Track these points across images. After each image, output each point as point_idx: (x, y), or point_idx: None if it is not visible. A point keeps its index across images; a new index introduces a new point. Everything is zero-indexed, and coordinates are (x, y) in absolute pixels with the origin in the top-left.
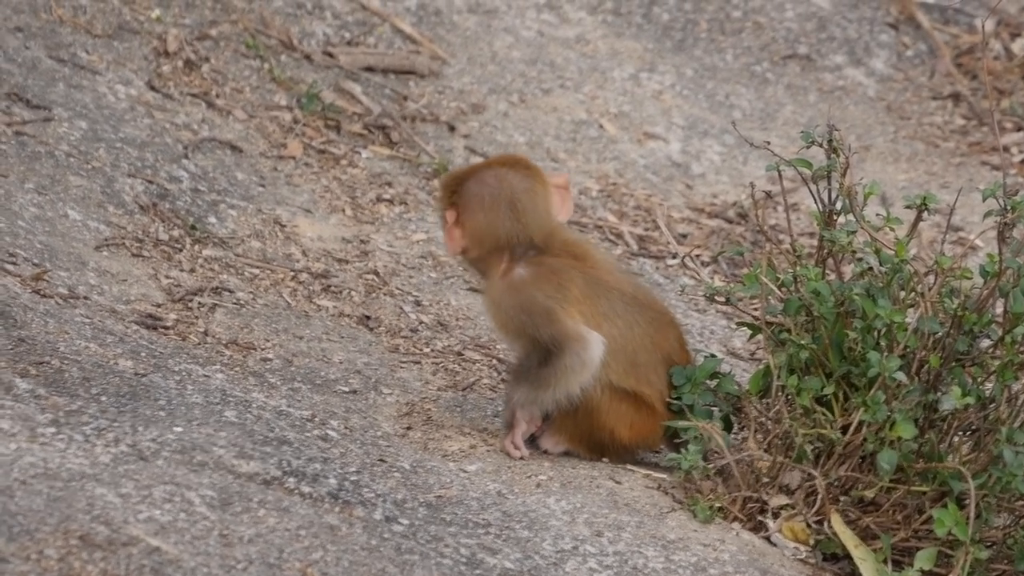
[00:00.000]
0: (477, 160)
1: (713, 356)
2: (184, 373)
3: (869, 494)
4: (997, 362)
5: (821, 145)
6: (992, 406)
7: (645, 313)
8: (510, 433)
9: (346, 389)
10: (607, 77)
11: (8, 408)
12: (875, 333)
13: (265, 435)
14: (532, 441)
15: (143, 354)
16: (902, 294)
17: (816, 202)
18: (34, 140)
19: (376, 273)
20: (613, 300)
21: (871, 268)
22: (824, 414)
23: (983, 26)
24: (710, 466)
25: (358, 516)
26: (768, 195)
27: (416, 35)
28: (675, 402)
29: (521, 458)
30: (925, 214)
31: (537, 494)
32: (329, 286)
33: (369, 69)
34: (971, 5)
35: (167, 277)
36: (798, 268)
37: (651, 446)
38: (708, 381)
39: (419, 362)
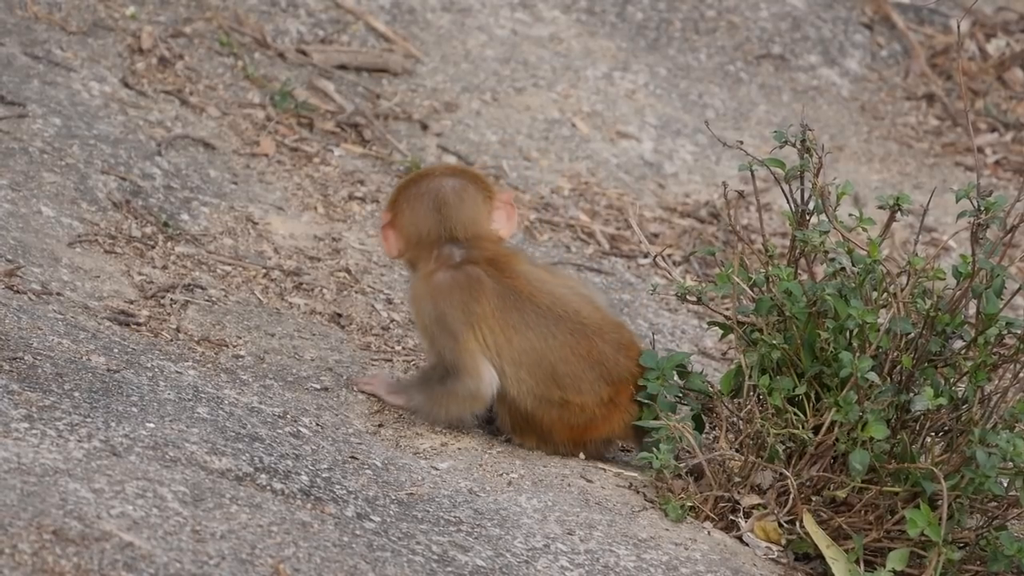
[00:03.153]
0: (449, 158)
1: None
2: (156, 369)
3: (841, 494)
4: (970, 363)
5: (794, 145)
6: (964, 407)
7: (563, 324)
8: (376, 387)
9: (317, 386)
10: (580, 76)
11: None
12: (847, 333)
13: (237, 432)
14: (490, 423)
15: (116, 350)
16: (874, 294)
17: (789, 202)
18: (8, 137)
19: (348, 271)
20: (526, 312)
21: (843, 268)
22: (796, 414)
23: (958, 26)
24: (681, 465)
25: (330, 513)
26: (741, 195)
27: (390, 33)
28: (642, 384)
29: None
30: (898, 215)
31: (508, 492)
32: (301, 284)
33: (342, 67)
34: (946, 5)
35: (139, 274)
36: (770, 268)
37: (614, 439)
38: (677, 378)
39: (390, 360)
